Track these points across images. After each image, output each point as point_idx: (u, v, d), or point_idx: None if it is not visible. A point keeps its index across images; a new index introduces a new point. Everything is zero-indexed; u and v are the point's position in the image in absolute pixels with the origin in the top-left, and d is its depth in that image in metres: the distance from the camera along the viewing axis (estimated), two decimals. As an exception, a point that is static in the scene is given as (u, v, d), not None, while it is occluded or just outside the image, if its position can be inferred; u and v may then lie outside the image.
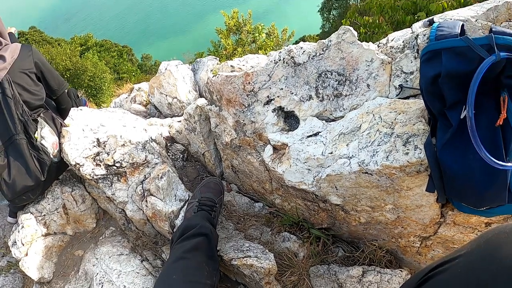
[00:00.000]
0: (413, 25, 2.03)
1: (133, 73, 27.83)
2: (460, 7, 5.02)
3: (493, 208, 1.55)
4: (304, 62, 1.98)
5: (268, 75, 2.08)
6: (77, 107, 4.30)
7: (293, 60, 2.01)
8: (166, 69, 5.69)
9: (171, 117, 5.45)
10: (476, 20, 1.75)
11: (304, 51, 2.00)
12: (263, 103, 2.14)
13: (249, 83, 2.13)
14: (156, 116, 5.68)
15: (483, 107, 1.46)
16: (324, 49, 1.95)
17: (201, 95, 5.56)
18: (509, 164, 1.36)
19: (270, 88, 2.09)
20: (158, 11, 62.05)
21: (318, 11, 28.89)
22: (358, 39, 1.92)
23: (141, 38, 54.04)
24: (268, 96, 2.11)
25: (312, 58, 1.97)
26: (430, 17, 1.90)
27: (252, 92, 2.14)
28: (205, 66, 5.79)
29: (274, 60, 2.05)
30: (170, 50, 48.89)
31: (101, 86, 19.65)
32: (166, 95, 5.39)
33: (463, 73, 1.44)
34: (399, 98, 1.86)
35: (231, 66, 4.57)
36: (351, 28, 1.92)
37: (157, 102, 5.56)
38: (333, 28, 26.01)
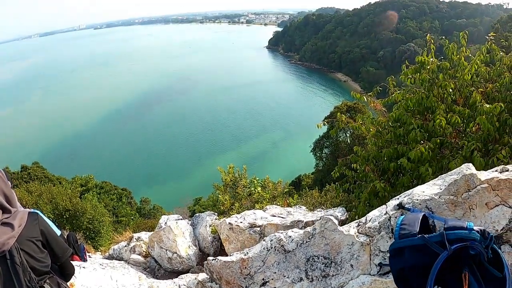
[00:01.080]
0: (387, 203, 2.37)
1: (132, 217, 28.10)
2: (438, 148, 5.45)
3: None
4: (293, 249, 2.30)
5: (262, 260, 2.37)
6: (76, 252, 4.46)
7: (283, 248, 2.32)
8: (166, 223, 5.96)
9: (171, 270, 5.59)
10: (439, 197, 2.09)
11: (292, 240, 2.32)
12: (259, 285, 2.39)
13: (245, 267, 2.41)
14: (156, 269, 5.81)
15: (449, 284, 1.74)
16: (310, 237, 2.28)
17: (200, 250, 5.76)
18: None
19: (265, 272, 2.36)
20: (158, 156, 64.59)
21: (311, 151, 30.17)
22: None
23: (140, 181, 55.37)
24: (263, 279, 2.37)
25: (300, 246, 2.28)
26: (399, 201, 2.25)
27: (249, 276, 2.41)
28: (204, 221, 6.10)
29: (267, 248, 2.36)
30: (168, 193, 49.97)
31: (99, 229, 19.64)
32: (166, 250, 5.59)
33: (423, 265, 1.75)
34: (380, 275, 2.12)
35: (229, 223, 4.88)
36: (332, 218, 2.26)
37: (157, 256, 5.74)
38: (326, 166, 26.89)
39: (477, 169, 4.73)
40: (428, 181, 2.58)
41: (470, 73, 5.59)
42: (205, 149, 64.65)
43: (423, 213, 1.98)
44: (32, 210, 2.91)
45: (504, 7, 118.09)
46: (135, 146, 70.73)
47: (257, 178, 7.49)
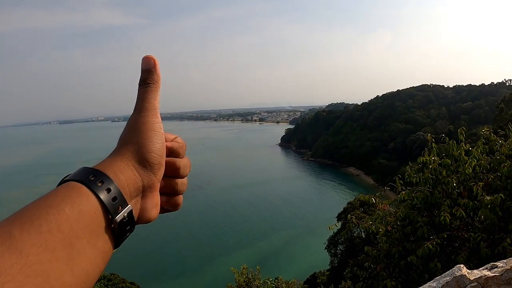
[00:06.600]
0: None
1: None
2: (445, 242, 5.51)
3: None
4: None
5: None
6: None
7: None
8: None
9: None
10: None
11: None
12: None
13: None
14: None
15: None
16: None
17: None
18: None
19: None
20: (170, 251, 63.24)
21: (325, 248, 29.43)
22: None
23: (150, 276, 53.67)
24: None
25: None
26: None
27: None
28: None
29: None
30: (179, 289, 48.37)
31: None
32: None
33: None
34: None
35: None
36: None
37: None
38: (341, 263, 26.22)
39: (484, 259, 4.85)
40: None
41: (471, 167, 5.83)
42: (218, 246, 63.17)
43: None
44: None
45: (507, 84, 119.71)
46: (147, 239, 69.26)
47: (271, 279, 7.51)
